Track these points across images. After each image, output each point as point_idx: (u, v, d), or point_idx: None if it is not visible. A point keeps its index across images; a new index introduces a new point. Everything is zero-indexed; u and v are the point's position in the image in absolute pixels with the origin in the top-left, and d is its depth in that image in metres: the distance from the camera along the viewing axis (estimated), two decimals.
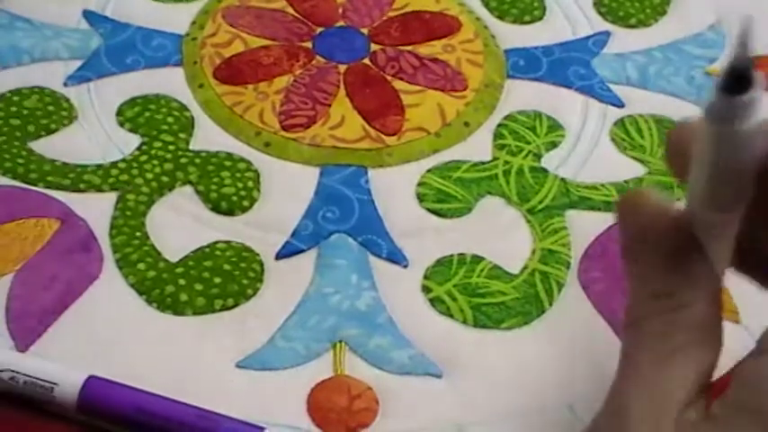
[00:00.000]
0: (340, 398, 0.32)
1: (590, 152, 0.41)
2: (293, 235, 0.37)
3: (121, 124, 0.40)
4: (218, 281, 0.35)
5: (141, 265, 0.35)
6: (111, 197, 0.37)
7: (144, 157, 0.39)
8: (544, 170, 0.40)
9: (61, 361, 0.32)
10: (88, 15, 0.44)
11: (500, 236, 0.38)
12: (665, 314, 0.24)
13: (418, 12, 0.46)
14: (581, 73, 0.44)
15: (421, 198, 0.38)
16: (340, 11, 0.45)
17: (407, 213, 0.38)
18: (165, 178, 0.38)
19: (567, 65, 0.44)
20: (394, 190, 0.39)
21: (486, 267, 0.36)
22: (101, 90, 0.41)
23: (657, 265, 0.25)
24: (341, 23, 0.45)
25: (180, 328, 0.34)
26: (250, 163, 0.39)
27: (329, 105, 0.41)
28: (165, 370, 0.33)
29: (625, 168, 0.40)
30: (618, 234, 0.26)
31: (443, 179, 0.39)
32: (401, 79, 0.43)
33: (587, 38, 0.46)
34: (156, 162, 0.39)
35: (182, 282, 0.35)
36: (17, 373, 0.31)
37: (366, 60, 0.43)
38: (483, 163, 0.40)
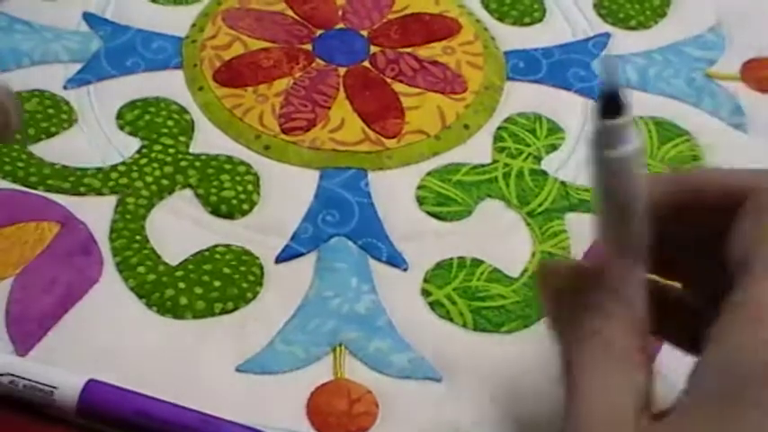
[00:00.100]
0: (340, 401, 0.32)
1: None
2: (293, 238, 0.37)
3: (121, 127, 0.40)
4: (218, 284, 0.35)
5: (141, 269, 0.35)
6: (111, 200, 0.37)
7: (144, 161, 0.39)
8: (544, 173, 0.40)
9: (61, 365, 0.32)
10: (88, 18, 0.44)
11: (500, 239, 0.38)
12: (594, 349, 0.25)
13: (418, 14, 0.46)
14: (581, 75, 0.44)
15: (421, 201, 0.38)
16: (340, 13, 0.45)
17: (407, 216, 0.38)
18: (164, 181, 0.38)
19: (566, 67, 0.44)
20: (394, 193, 0.39)
21: (486, 271, 0.36)
22: (101, 93, 0.41)
23: (576, 312, 0.26)
24: (340, 26, 0.45)
25: (180, 332, 0.34)
26: (250, 166, 0.39)
27: (329, 108, 0.41)
28: (165, 373, 0.33)
29: None
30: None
31: (443, 182, 0.39)
32: (401, 82, 0.43)
33: (587, 40, 0.46)
34: (155, 165, 0.39)
35: (181, 285, 0.35)
36: (17, 376, 0.31)
37: (366, 63, 0.43)
38: (483, 166, 0.40)
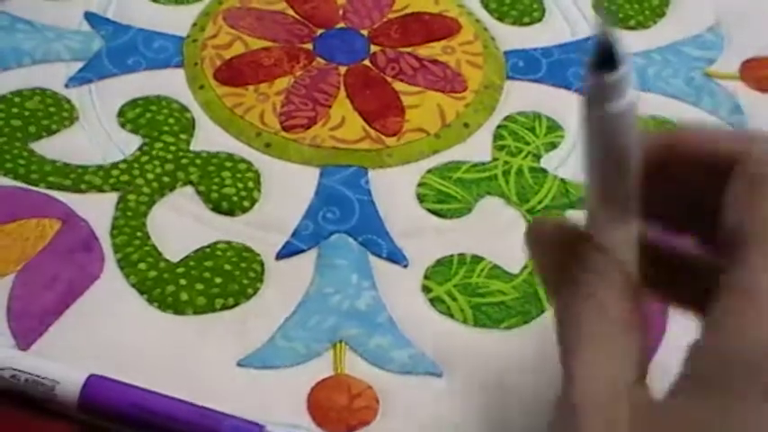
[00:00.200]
0: (340, 396, 0.32)
1: None
2: (293, 235, 0.37)
3: (122, 125, 0.40)
4: (219, 281, 0.35)
5: (142, 265, 0.35)
6: (113, 197, 0.37)
7: (145, 158, 0.39)
8: (544, 171, 0.40)
9: (62, 360, 0.32)
10: (90, 17, 0.44)
11: (500, 236, 0.38)
12: (587, 314, 0.25)
13: (418, 13, 0.46)
14: (580, 74, 0.44)
15: (421, 198, 0.39)
16: (340, 12, 0.46)
17: (407, 214, 0.38)
18: (165, 179, 0.38)
19: (566, 66, 0.44)
20: (394, 190, 0.39)
21: (486, 267, 0.36)
22: (102, 91, 0.41)
23: (567, 275, 0.25)
24: (341, 25, 0.45)
25: (181, 328, 0.34)
26: (251, 163, 0.39)
27: (329, 106, 0.41)
28: (166, 369, 0.33)
29: None
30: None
31: (443, 180, 0.39)
32: (401, 80, 0.43)
33: (586, 39, 0.46)
34: (156, 163, 0.39)
35: (182, 281, 0.35)
36: (18, 371, 0.31)
37: (366, 62, 0.44)
38: (483, 163, 0.40)
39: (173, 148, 0.39)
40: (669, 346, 0.33)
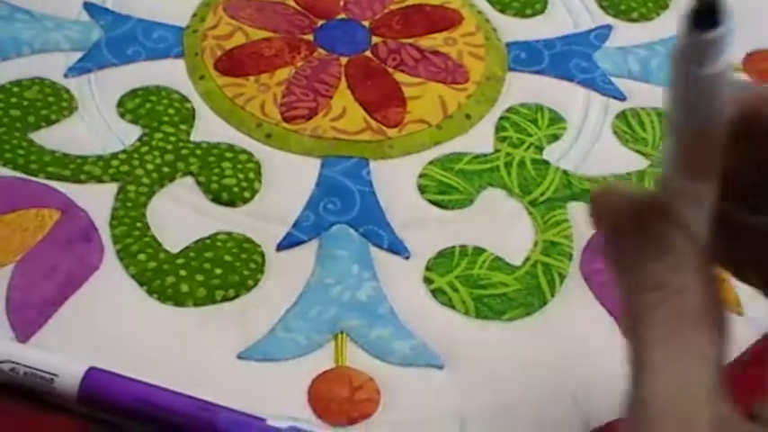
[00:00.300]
0: (341, 389, 0.32)
1: (592, 145, 0.41)
2: (294, 226, 0.37)
3: (122, 115, 0.40)
4: (219, 272, 0.35)
5: (142, 256, 0.35)
6: (112, 188, 0.37)
7: (145, 148, 0.39)
8: (546, 162, 0.40)
9: (62, 352, 0.32)
10: (89, 7, 0.44)
11: (502, 228, 0.37)
12: (663, 304, 0.22)
13: (419, 5, 0.46)
14: (583, 66, 0.44)
15: (422, 190, 0.38)
16: (341, 3, 0.45)
17: (409, 205, 0.38)
18: (165, 169, 0.38)
19: (568, 58, 0.44)
20: (395, 181, 0.39)
21: (488, 259, 0.36)
22: (101, 81, 0.41)
23: (639, 255, 0.23)
24: (342, 16, 0.45)
25: (181, 319, 0.34)
26: (251, 154, 0.39)
27: (330, 97, 0.41)
28: (166, 361, 0.33)
29: (627, 161, 0.40)
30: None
31: (445, 171, 0.39)
32: (402, 71, 0.42)
33: (589, 31, 0.45)
34: (156, 153, 0.38)
35: (182, 273, 0.35)
36: (17, 364, 0.31)
37: (367, 53, 0.43)
38: (485, 155, 0.40)
39: (173, 138, 0.39)
40: None
